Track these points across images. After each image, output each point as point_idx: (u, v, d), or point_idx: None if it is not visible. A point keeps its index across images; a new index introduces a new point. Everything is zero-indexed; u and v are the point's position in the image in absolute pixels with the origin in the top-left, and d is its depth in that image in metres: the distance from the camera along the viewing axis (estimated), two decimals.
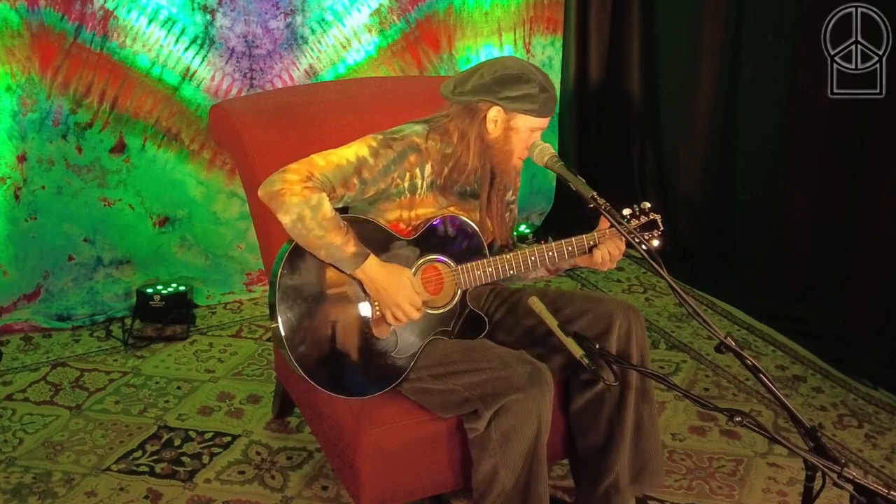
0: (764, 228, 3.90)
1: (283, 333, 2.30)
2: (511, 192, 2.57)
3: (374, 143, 2.32)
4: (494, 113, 2.32)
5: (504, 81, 2.30)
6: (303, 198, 2.21)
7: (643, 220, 2.43)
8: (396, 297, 2.30)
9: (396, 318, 2.33)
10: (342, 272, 2.32)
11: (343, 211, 2.37)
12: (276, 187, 2.22)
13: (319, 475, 2.83)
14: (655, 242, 2.43)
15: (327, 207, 2.23)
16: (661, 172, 4.40)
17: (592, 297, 2.52)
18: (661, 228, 2.45)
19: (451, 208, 2.43)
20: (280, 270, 2.30)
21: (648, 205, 2.44)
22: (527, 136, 2.35)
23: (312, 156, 2.29)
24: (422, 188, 2.38)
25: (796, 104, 3.67)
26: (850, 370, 3.41)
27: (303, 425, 3.04)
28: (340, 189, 2.27)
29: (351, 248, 2.26)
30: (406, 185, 2.36)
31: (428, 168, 2.37)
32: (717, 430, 3.07)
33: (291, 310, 2.30)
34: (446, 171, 2.38)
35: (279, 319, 2.29)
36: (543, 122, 2.35)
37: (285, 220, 2.23)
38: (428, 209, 2.41)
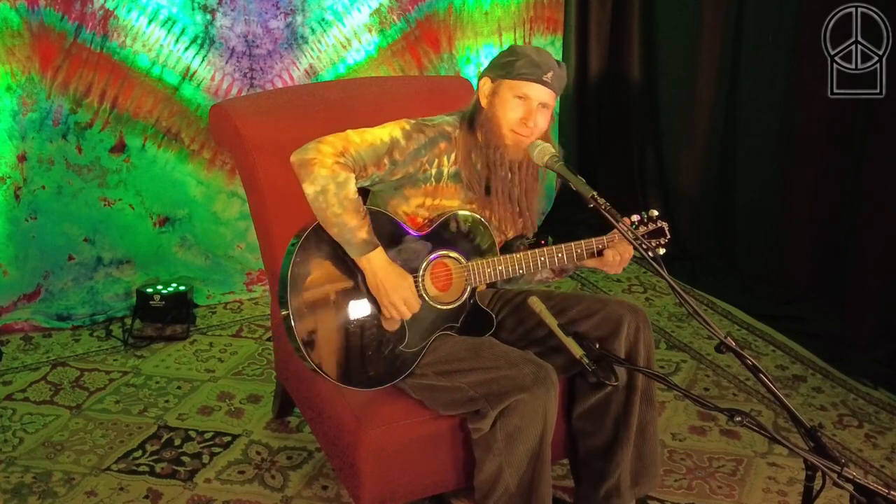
0: (764, 228, 3.90)
1: (293, 323, 2.29)
2: (526, 193, 2.48)
3: (407, 127, 2.36)
4: (482, 84, 2.40)
5: (496, 57, 2.41)
6: (332, 171, 2.24)
7: (651, 227, 2.46)
8: (392, 296, 2.31)
9: (389, 314, 2.34)
10: (347, 258, 2.32)
11: (364, 197, 2.39)
12: (310, 156, 2.26)
13: (319, 475, 2.83)
14: (661, 251, 2.44)
15: (351, 188, 2.25)
16: (661, 172, 4.40)
17: (599, 298, 2.53)
18: (669, 237, 2.47)
19: (473, 206, 2.43)
20: (293, 259, 2.29)
21: (656, 213, 2.47)
22: (514, 103, 2.34)
23: (348, 131, 2.32)
24: (445, 177, 2.40)
25: (796, 104, 3.67)
26: (850, 370, 3.41)
27: (303, 425, 3.04)
28: (372, 168, 2.31)
29: (363, 234, 2.27)
30: (433, 171, 2.39)
31: (453, 157, 2.40)
32: (717, 429, 3.07)
33: (302, 300, 2.30)
34: (473, 159, 2.41)
35: (290, 308, 2.28)
36: (528, 87, 2.33)
37: (309, 189, 2.25)
38: (451, 201, 2.42)
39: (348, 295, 2.34)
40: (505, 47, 2.49)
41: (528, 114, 2.35)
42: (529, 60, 2.33)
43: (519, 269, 2.42)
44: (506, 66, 2.35)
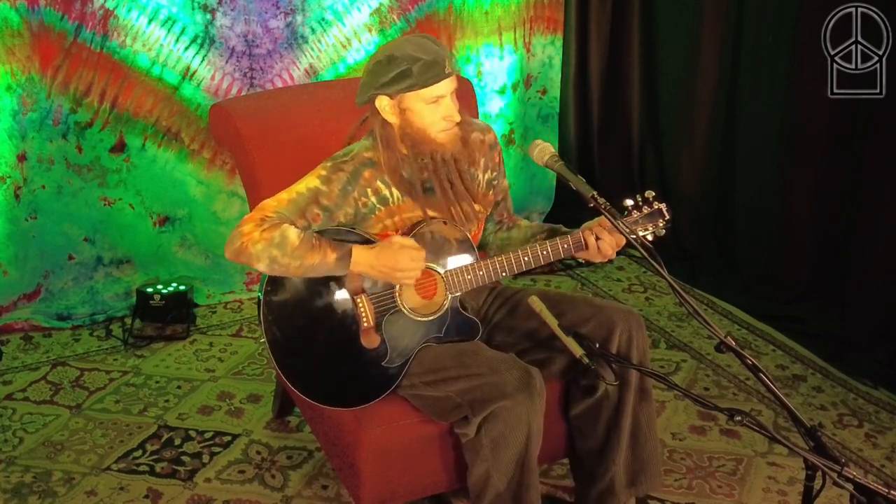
0: (764, 228, 3.90)
1: (270, 350, 2.31)
2: (486, 169, 2.49)
3: (323, 172, 2.31)
4: (379, 102, 2.28)
5: (376, 70, 2.26)
6: (265, 241, 2.20)
7: (646, 210, 2.34)
8: (398, 265, 2.24)
9: (410, 279, 2.29)
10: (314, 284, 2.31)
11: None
12: (237, 243, 2.23)
13: (319, 475, 2.83)
14: (663, 232, 2.35)
15: (292, 236, 2.21)
16: (661, 172, 4.40)
17: (594, 303, 2.48)
18: (668, 217, 2.35)
19: (433, 210, 2.38)
20: (264, 287, 2.30)
21: (653, 193, 2.35)
22: (431, 108, 2.27)
23: (264, 200, 2.29)
24: (393, 197, 2.35)
25: (796, 104, 3.67)
26: (850, 370, 3.41)
27: (303, 425, 3.04)
28: (300, 221, 2.26)
29: (332, 256, 2.24)
30: (374, 200, 2.34)
31: (387, 178, 2.35)
32: (717, 429, 3.07)
33: (278, 326, 2.31)
34: (403, 175, 2.34)
35: (266, 336, 2.30)
36: (436, 88, 2.24)
37: (261, 266, 2.23)
38: (412, 213, 2.38)
39: (324, 317, 2.34)
40: (384, 55, 2.26)
41: (448, 109, 2.28)
42: (423, 64, 2.21)
43: (501, 273, 2.37)
44: (399, 79, 2.22)
